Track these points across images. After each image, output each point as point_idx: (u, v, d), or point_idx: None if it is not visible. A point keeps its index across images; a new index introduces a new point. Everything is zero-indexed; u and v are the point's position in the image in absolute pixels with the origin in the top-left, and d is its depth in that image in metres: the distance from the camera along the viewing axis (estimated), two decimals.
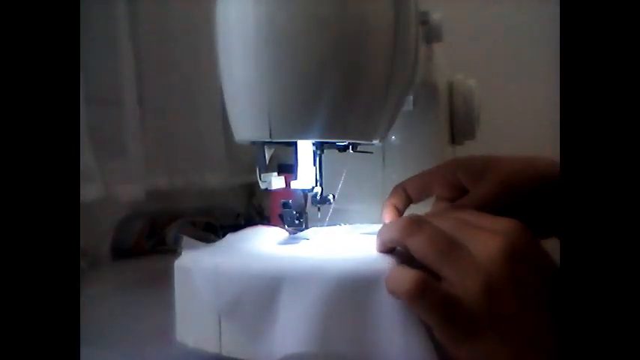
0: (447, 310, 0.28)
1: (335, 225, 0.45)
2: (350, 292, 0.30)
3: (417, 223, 0.31)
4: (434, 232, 0.30)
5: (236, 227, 0.45)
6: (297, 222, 0.41)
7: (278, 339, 0.31)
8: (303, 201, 0.41)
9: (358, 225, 0.47)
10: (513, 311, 0.28)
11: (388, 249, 0.34)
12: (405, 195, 0.43)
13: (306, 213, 0.42)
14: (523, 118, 1.02)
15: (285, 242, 0.40)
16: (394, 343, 0.30)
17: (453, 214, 0.35)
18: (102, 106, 0.70)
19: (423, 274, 0.29)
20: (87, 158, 0.64)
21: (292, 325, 0.31)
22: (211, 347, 0.34)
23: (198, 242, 0.39)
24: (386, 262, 0.32)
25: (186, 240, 0.38)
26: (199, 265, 0.34)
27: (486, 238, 0.30)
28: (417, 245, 0.30)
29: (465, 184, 0.42)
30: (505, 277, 0.28)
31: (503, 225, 0.31)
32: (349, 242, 0.40)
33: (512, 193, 0.39)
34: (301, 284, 0.31)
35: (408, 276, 0.29)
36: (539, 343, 0.27)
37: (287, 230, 0.42)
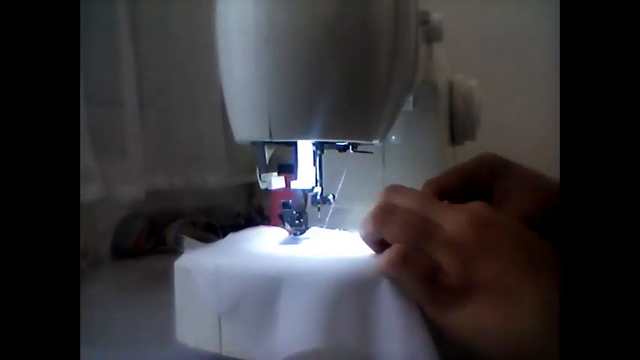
0: (428, 280, 0.30)
1: (334, 229, 0.44)
2: (350, 291, 0.31)
3: (387, 210, 0.33)
4: (406, 216, 0.32)
5: (236, 227, 0.45)
6: (297, 222, 0.41)
7: (279, 339, 0.31)
8: (303, 201, 0.41)
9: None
10: (493, 274, 0.29)
11: (380, 245, 0.34)
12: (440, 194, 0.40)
13: (306, 213, 0.42)
14: (523, 118, 1.02)
15: (286, 242, 0.40)
16: (395, 341, 0.30)
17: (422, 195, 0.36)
18: (102, 107, 0.70)
19: (402, 248, 0.30)
20: (87, 158, 0.64)
21: (294, 325, 0.31)
22: (211, 347, 0.34)
23: (200, 243, 0.39)
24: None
25: (187, 240, 0.38)
26: (199, 265, 0.34)
27: (454, 214, 0.32)
28: (392, 233, 0.32)
29: (491, 186, 0.40)
30: (477, 244, 0.30)
31: (469, 204, 0.33)
32: (349, 242, 0.40)
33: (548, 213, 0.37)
34: (301, 284, 0.31)
35: (389, 250, 0.31)
36: (525, 304, 0.28)
37: (287, 230, 0.42)
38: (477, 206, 0.32)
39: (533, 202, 0.38)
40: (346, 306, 0.30)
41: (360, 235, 0.35)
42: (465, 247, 0.30)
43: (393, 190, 0.36)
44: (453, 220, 0.31)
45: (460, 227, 0.31)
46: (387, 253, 0.31)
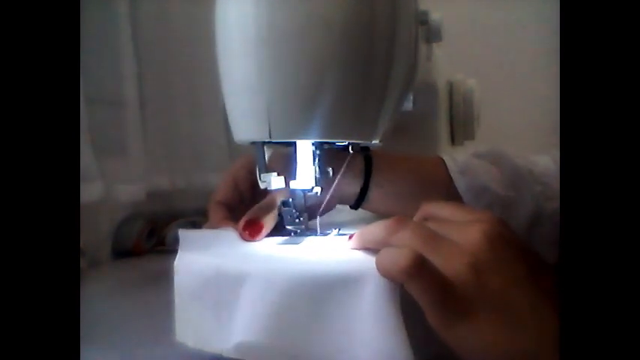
0: (442, 288, 0.29)
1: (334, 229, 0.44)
2: (303, 291, 0.31)
3: (400, 221, 0.32)
4: (416, 226, 0.32)
5: None
6: (296, 222, 0.41)
7: (235, 331, 0.32)
8: (303, 201, 0.41)
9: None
10: (500, 288, 0.29)
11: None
12: (225, 206, 0.46)
13: (306, 213, 0.42)
14: (523, 118, 1.02)
15: (285, 243, 0.40)
16: (366, 342, 0.30)
17: (437, 210, 0.36)
18: (103, 107, 0.70)
19: (419, 251, 0.29)
20: (87, 158, 0.64)
21: (250, 319, 0.31)
22: (211, 347, 0.34)
23: (194, 231, 0.39)
24: (346, 264, 0.33)
25: (182, 234, 0.38)
26: (179, 261, 0.36)
27: (466, 227, 0.31)
28: (402, 240, 0.31)
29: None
30: (488, 256, 0.29)
31: (478, 215, 0.33)
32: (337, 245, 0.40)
33: None
34: (261, 282, 0.32)
35: (403, 254, 0.29)
36: (529, 321, 0.28)
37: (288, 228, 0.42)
38: (488, 218, 0.32)
39: None
40: (305, 305, 0.31)
41: (360, 239, 0.35)
42: (477, 256, 0.29)
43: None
44: (464, 231, 0.31)
45: (473, 237, 0.30)
46: (396, 257, 0.29)
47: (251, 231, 0.40)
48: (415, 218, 0.36)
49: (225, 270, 0.33)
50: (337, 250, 0.37)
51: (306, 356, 0.30)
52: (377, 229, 0.33)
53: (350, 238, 0.36)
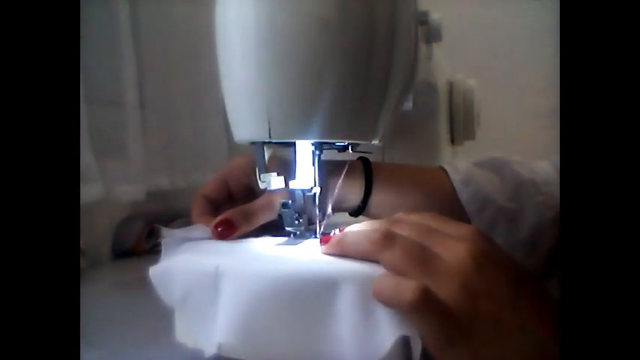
0: (444, 318, 0.28)
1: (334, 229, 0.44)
2: (277, 291, 0.31)
3: (389, 237, 0.32)
4: (407, 244, 0.31)
5: None
6: (296, 222, 0.41)
7: (219, 330, 0.32)
8: (302, 201, 0.41)
9: None
10: (490, 309, 0.29)
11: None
12: (208, 201, 0.46)
13: (305, 214, 0.42)
14: (523, 117, 1.02)
15: (284, 244, 0.40)
16: (325, 341, 0.30)
17: (416, 219, 0.35)
18: (103, 107, 0.70)
19: (423, 283, 0.29)
20: (87, 158, 0.64)
21: (229, 318, 0.32)
22: (211, 347, 0.34)
23: (176, 231, 0.39)
24: (326, 264, 0.33)
25: (165, 238, 0.38)
26: (155, 265, 0.37)
27: (453, 244, 0.31)
28: (393, 259, 0.31)
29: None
30: (478, 277, 0.29)
31: (465, 231, 0.32)
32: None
33: None
34: (235, 281, 0.32)
35: (407, 286, 0.28)
36: (519, 338, 0.28)
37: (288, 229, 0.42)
38: (473, 235, 0.32)
39: None
40: (279, 306, 0.31)
41: (345, 249, 0.34)
42: (466, 278, 0.29)
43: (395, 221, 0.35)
44: (452, 250, 0.30)
45: (461, 259, 0.30)
46: (401, 289, 0.28)
47: (222, 230, 0.40)
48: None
49: (206, 270, 0.33)
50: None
51: (285, 356, 0.31)
52: (361, 241, 0.32)
53: (323, 241, 0.35)
